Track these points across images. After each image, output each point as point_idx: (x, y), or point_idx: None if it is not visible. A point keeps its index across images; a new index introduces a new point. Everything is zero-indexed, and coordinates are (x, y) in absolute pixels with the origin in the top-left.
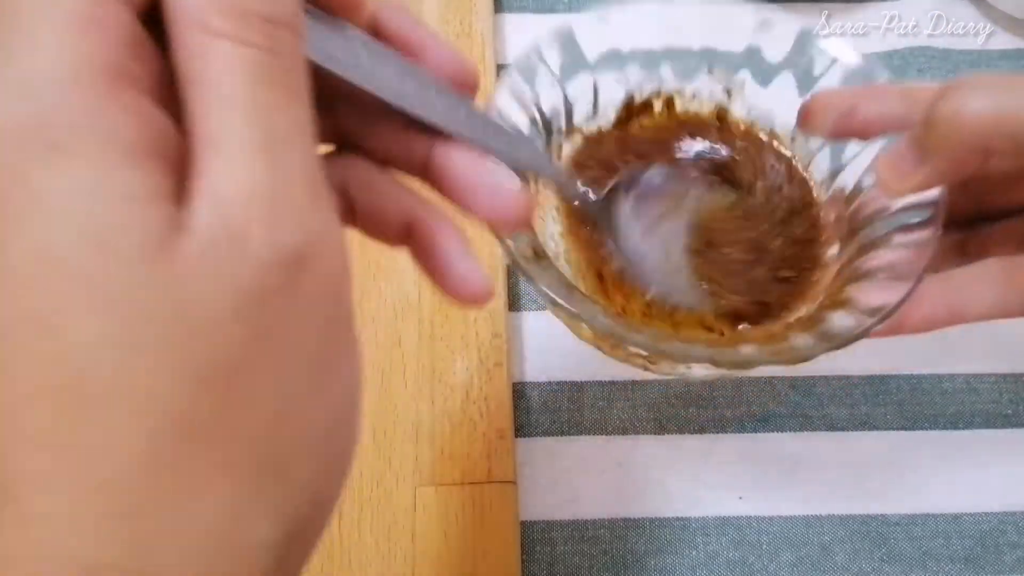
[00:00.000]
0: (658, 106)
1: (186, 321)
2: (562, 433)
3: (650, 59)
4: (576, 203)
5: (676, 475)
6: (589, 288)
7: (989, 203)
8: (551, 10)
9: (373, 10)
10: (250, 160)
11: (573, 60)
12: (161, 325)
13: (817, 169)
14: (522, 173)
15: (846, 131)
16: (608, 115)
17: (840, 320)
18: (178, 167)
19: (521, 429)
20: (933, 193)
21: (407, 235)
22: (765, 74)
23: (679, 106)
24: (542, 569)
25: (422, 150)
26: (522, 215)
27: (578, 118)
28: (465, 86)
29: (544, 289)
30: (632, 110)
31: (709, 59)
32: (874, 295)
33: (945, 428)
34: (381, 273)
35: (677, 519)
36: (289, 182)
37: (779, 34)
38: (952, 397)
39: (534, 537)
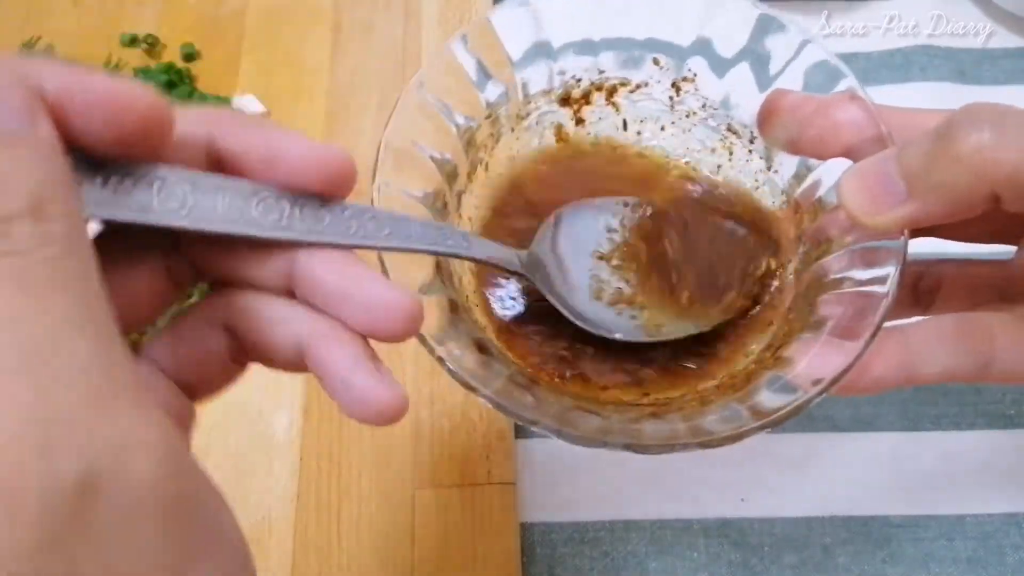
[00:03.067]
0: (598, 98)
1: None
2: None
3: (586, 49)
4: (503, 267)
5: (677, 476)
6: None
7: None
8: None
9: (209, 132)
10: (10, 387)
11: (492, 59)
12: None
13: (782, 170)
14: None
15: (803, 146)
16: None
17: (772, 395)
18: None
19: (521, 430)
20: (897, 242)
21: (301, 359)
22: (719, 65)
23: (621, 99)
24: (543, 571)
25: (282, 266)
26: (408, 327)
27: (506, 122)
28: (334, 182)
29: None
30: (569, 101)
31: (654, 49)
32: (815, 361)
33: (948, 429)
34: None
35: (678, 521)
36: (60, 398)
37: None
38: (955, 398)
39: (534, 539)
